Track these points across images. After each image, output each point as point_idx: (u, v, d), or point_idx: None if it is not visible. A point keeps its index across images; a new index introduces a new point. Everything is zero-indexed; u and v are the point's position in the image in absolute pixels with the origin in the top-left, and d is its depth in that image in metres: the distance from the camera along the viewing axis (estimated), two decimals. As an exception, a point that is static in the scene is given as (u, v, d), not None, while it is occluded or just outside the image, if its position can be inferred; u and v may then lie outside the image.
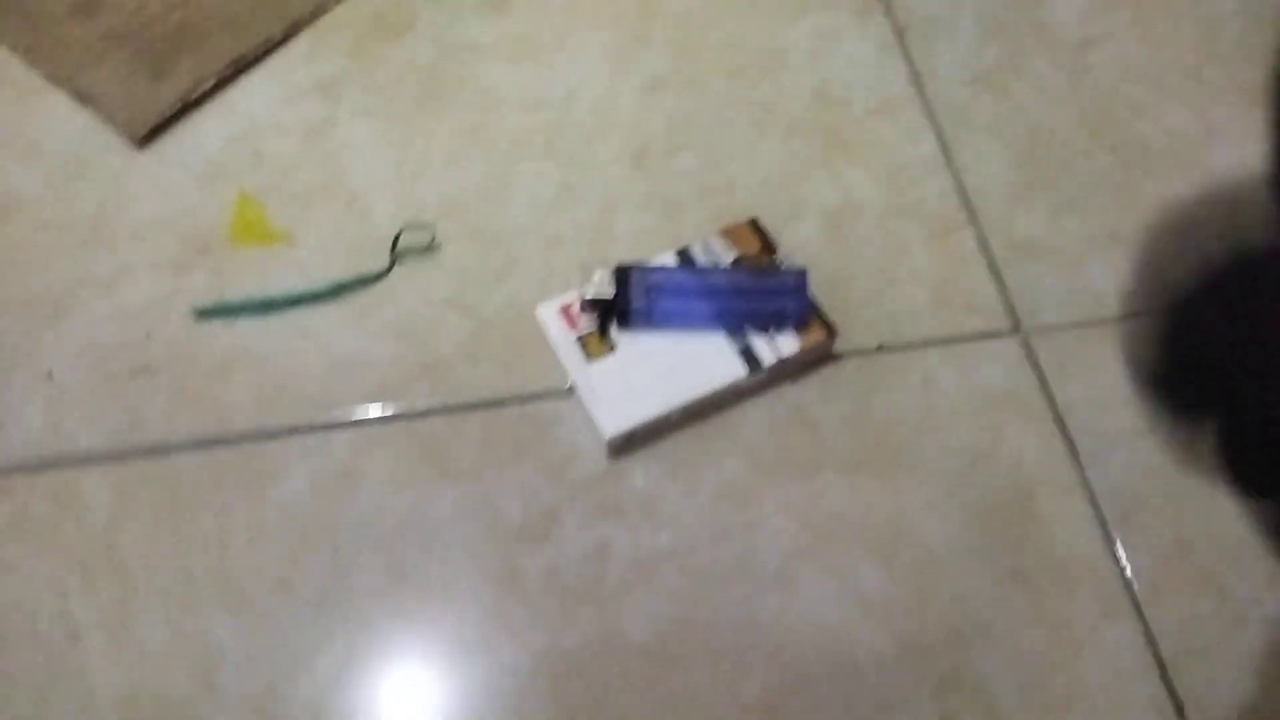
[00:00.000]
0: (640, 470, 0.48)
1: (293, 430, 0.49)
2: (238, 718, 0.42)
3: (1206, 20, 0.63)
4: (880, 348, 0.52)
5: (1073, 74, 0.61)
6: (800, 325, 0.49)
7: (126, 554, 0.45)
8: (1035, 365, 0.51)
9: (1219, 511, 0.47)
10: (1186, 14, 0.63)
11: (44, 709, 0.42)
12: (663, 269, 0.50)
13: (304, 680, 0.42)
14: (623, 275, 0.49)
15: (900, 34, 0.63)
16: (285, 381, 0.50)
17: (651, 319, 0.48)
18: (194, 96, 0.57)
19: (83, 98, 0.57)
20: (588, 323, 0.49)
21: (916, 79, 0.61)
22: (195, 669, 0.43)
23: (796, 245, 0.54)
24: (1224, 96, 0.60)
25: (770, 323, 0.49)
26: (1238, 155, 0.58)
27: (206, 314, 0.51)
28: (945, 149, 0.58)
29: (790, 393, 0.50)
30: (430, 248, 0.53)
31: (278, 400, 0.49)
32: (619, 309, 0.48)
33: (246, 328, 0.51)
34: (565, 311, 0.49)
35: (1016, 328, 0.53)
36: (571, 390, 0.49)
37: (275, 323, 0.51)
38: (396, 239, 0.53)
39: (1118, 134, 0.59)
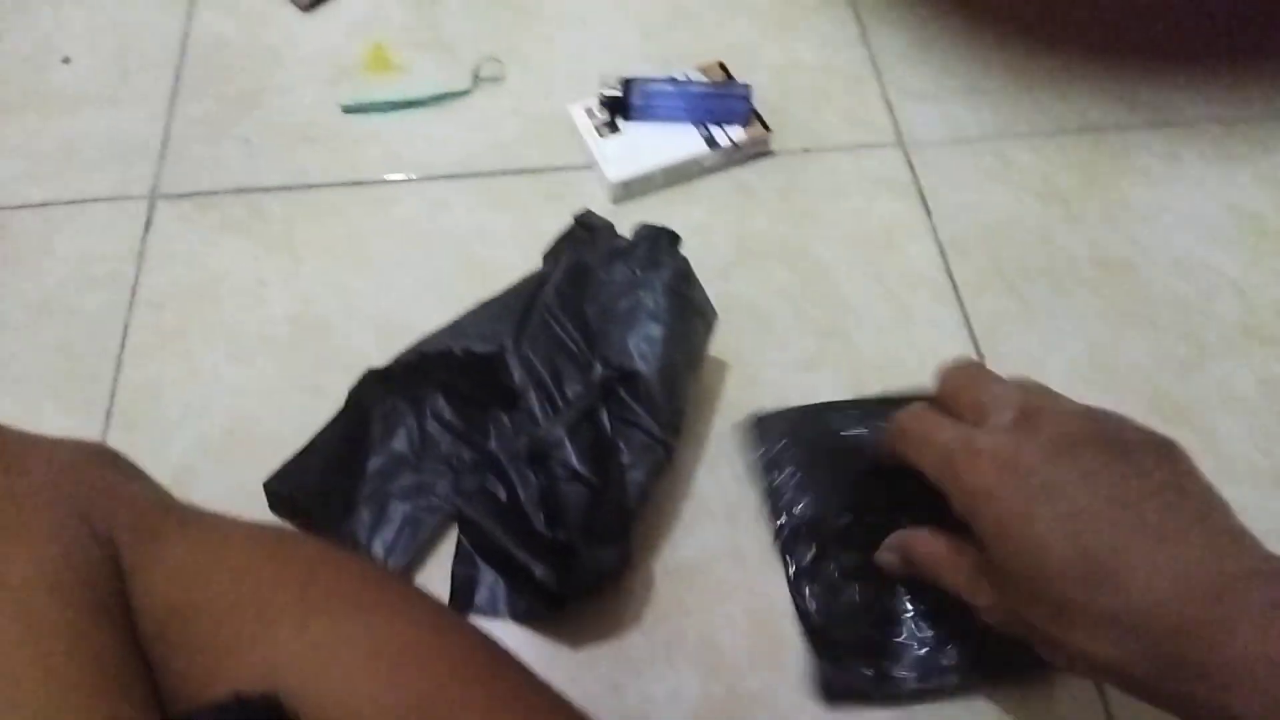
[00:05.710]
0: (633, 213, 0.71)
1: (406, 179, 0.73)
2: (364, 331, 0.66)
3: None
4: (805, 150, 0.75)
5: (961, -11, 0.85)
6: (745, 122, 0.73)
7: (295, 240, 0.70)
8: (910, 165, 0.74)
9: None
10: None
11: (242, 320, 0.66)
12: (655, 79, 0.74)
13: (410, 312, 0.66)
14: (627, 83, 0.73)
15: (841, -38, 0.87)
16: (401, 151, 0.75)
17: (645, 113, 0.73)
18: (344, -18, 0.84)
19: (268, -19, 0.84)
20: (603, 115, 0.73)
21: (849, -10, 0.85)
22: (339, 303, 0.67)
23: (752, 87, 0.78)
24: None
25: (724, 118, 0.72)
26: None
27: (350, 109, 0.76)
28: (864, 33, 0.82)
29: (738, 172, 0.74)
30: (498, 77, 0.78)
31: (395, 162, 0.74)
32: (623, 105, 0.73)
33: (375, 118, 0.76)
34: (589, 110, 0.74)
35: (899, 142, 0.76)
36: (593, 165, 0.73)
37: (394, 117, 0.77)
38: (477, 69, 0.78)
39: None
